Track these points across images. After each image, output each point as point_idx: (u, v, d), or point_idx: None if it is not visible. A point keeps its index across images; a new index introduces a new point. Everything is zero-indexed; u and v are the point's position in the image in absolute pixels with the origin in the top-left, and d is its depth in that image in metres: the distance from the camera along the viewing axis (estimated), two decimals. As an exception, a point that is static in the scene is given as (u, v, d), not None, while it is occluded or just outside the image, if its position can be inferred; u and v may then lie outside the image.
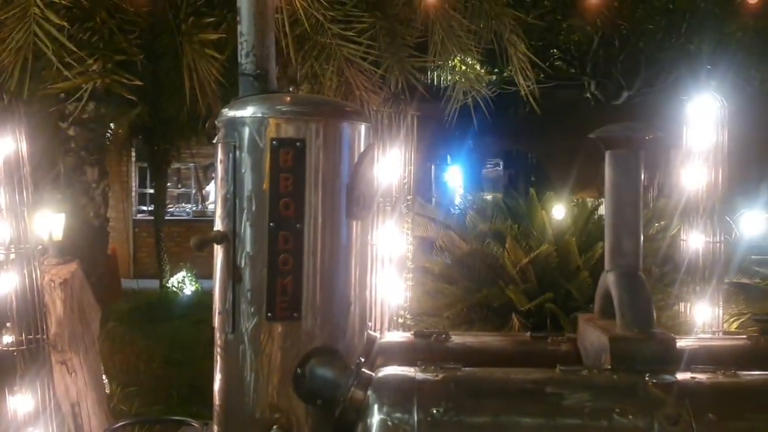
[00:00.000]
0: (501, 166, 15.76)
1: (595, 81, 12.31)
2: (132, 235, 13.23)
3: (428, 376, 2.57)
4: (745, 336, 3.23)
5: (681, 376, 2.56)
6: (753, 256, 9.05)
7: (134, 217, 13.62)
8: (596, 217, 5.05)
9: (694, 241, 4.15)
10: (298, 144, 2.60)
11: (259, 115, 2.62)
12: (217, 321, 2.78)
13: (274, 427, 2.60)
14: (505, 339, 3.25)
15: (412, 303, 3.97)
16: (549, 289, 4.55)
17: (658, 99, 11.82)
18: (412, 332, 3.26)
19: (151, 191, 12.97)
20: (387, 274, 3.90)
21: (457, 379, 2.56)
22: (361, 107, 3.37)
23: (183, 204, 14.83)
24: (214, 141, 2.84)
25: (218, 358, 2.79)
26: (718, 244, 4.10)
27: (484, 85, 6.07)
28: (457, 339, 3.20)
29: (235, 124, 2.65)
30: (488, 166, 15.51)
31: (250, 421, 2.64)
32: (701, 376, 2.57)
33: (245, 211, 2.63)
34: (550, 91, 13.42)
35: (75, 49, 3.70)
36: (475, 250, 4.73)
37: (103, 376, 4.74)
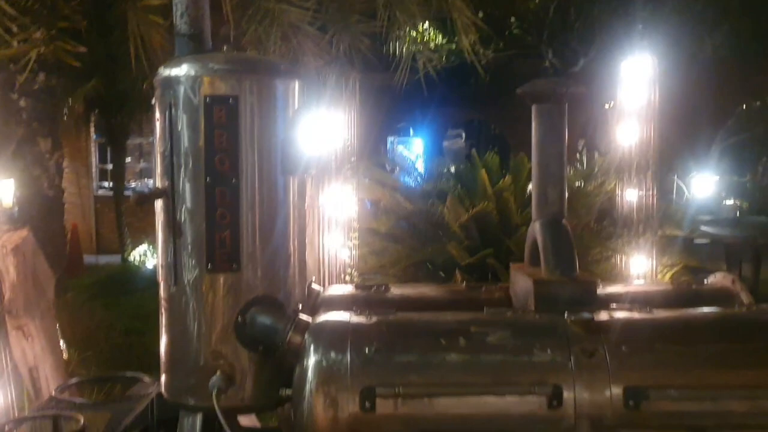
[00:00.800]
0: (463, 138, 15.93)
1: (551, 49, 12.50)
2: (93, 211, 13.18)
3: (362, 320, 2.71)
4: (668, 282, 3.43)
5: (599, 314, 2.73)
6: (702, 216, 9.39)
7: (95, 194, 13.55)
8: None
9: (629, 196, 4.34)
10: (230, 101, 2.69)
11: (193, 73, 2.70)
12: (160, 274, 2.88)
13: (218, 372, 2.72)
14: (442, 289, 3.41)
15: (358, 262, 4.10)
16: (490, 245, 4.72)
17: (612, 65, 11.99)
18: (354, 285, 3.40)
19: (112, 166, 12.90)
20: (333, 235, 4.03)
21: (388, 322, 2.70)
22: (303, 69, 3.46)
23: (145, 179, 14.76)
24: (152, 101, 2.92)
25: (163, 310, 2.90)
26: (651, 198, 4.30)
27: (443, 55, 6.17)
28: (396, 290, 3.34)
29: (170, 83, 2.74)
30: (450, 136, 15.67)
31: (195, 369, 2.76)
32: (618, 314, 2.75)
33: (183, 168, 2.73)
34: (509, 61, 13.58)
35: (17, 15, 3.72)
36: (419, 209, 4.87)
37: (61, 342, 4.82)
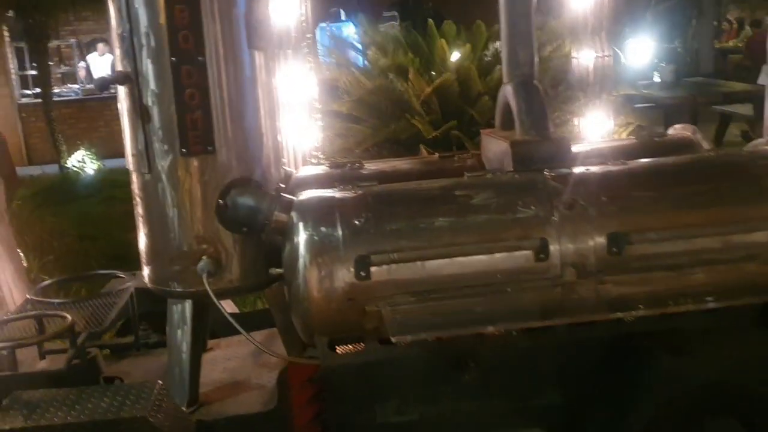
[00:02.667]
0: (397, 19, 15.53)
1: None
2: (19, 121, 12.51)
3: (347, 193, 2.70)
4: (633, 137, 3.50)
5: (576, 170, 2.79)
6: (639, 81, 9.55)
7: (19, 102, 12.83)
8: (495, 43, 5.12)
9: (585, 58, 4.35)
10: (190, -29, 2.53)
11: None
12: (131, 163, 2.78)
13: (204, 257, 2.70)
14: (415, 161, 3.41)
15: (323, 144, 4.04)
16: (453, 117, 4.70)
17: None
18: (327, 164, 3.37)
19: (33, 72, 12.16)
20: (296, 117, 3.93)
21: (374, 193, 2.70)
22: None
23: (69, 84, 14.01)
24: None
25: (138, 200, 2.83)
26: (606, 58, 4.32)
27: None
28: (370, 166, 3.33)
29: (120, -45, 2.55)
30: (385, 19, 15.26)
31: (179, 256, 2.73)
32: (594, 168, 2.82)
33: (144, 48, 2.59)
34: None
35: None
36: (378, 86, 4.77)
37: (18, 250, 4.68)
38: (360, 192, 2.71)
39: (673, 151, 3.33)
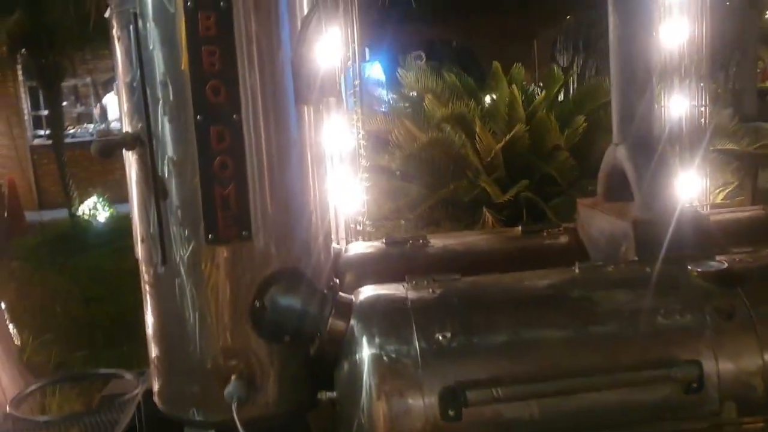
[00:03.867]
0: (423, 59, 15.03)
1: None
2: (31, 163, 12.00)
3: (422, 293, 2.03)
4: (760, 207, 2.83)
5: (726, 260, 2.11)
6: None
7: (31, 143, 12.33)
8: (572, 87, 4.49)
9: (677, 107, 3.69)
10: (221, 3, 1.91)
11: (164, -35, 1.90)
12: (140, 251, 2.14)
13: (233, 377, 2.03)
14: (492, 237, 2.75)
15: (369, 206, 3.39)
16: (521, 175, 4.03)
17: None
18: (383, 240, 2.71)
19: (47, 113, 11.69)
20: (338, 176, 3.29)
21: (459, 293, 2.03)
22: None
23: (85, 124, 13.53)
24: (106, 14, 2.11)
25: (148, 297, 2.18)
26: (702, 108, 3.66)
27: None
28: (436, 242, 2.67)
29: (131, -17, 1.93)
30: (411, 58, 14.75)
31: (200, 373, 2.06)
32: (748, 259, 2.13)
33: (160, 102, 1.96)
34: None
35: None
36: (434, 140, 4.11)
37: (10, 326, 4.03)
38: (440, 291, 2.04)
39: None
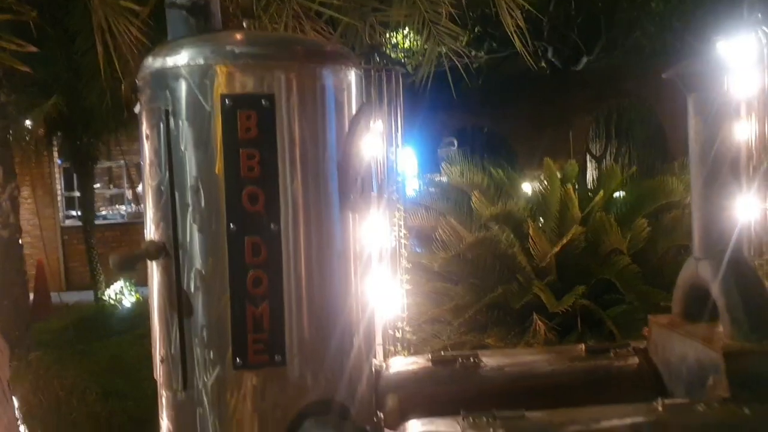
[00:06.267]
0: (455, 145, 14.98)
1: (552, 47, 11.60)
2: (61, 244, 11.97)
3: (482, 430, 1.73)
4: None
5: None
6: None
7: (62, 224, 12.32)
8: (627, 182, 4.24)
9: (746, 209, 3.41)
10: (263, 102, 1.72)
11: (201, 61, 1.72)
12: (160, 372, 1.89)
13: None
14: (552, 357, 2.44)
15: (410, 309, 3.13)
16: (576, 281, 3.73)
17: (620, 62, 11.23)
18: (429, 357, 2.43)
19: (79, 194, 11.75)
20: (377, 276, 3.04)
21: (525, 435, 1.73)
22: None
23: (117, 206, 13.58)
24: (135, 109, 1.93)
25: (165, 425, 1.90)
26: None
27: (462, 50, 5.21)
28: (489, 361, 2.37)
29: (164, 79, 1.76)
30: (444, 144, 14.71)
31: None
32: None
33: (190, 209, 1.74)
34: (503, 60, 12.69)
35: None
36: (481, 239, 3.85)
37: (21, 428, 3.76)
38: (501, 430, 1.74)
39: None
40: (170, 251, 1.77)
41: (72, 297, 10.63)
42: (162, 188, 1.78)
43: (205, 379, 1.77)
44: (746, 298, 2.00)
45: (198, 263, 1.75)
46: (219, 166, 1.71)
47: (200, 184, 1.73)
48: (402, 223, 3.10)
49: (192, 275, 1.76)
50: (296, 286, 1.76)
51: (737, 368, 1.91)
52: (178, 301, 1.77)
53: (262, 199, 1.72)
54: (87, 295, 10.39)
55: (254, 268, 1.73)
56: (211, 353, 1.77)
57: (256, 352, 1.74)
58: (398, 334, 3.05)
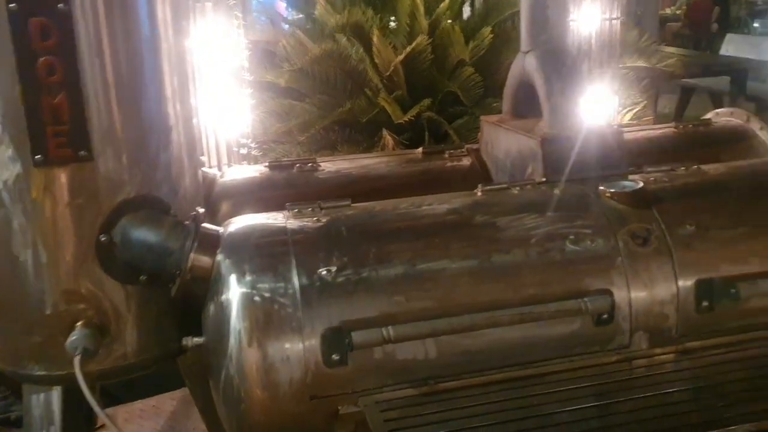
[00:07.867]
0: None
1: None
2: None
3: (305, 222, 1.74)
4: (671, 125, 2.67)
5: (635, 179, 1.92)
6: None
7: None
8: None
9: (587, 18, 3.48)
10: None
11: None
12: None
13: (78, 324, 1.70)
14: (390, 159, 2.46)
15: (255, 128, 3.03)
16: (423, 93, 3.71)
17: None
18: (266, 163, 2.39)
19: None
20: (217, 91, 2.90)
21: (348, 221, 1.75)
22: None
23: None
24: None
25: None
26: (614, 21, 3.45)
27: None
28: (327, 166, 2.37)
29: None
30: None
31: (38, 321, 1.73)
32: (663, 177, 1.95)
33: (-39, -15, 1.54)
34: None
35: None
36: (328, 52, 3.70)
37: None
38: (326, 219, 1.76)
39: (726, 142, 2.55)
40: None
41: None
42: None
43: (5, 178, 1.65)
44: (563, 88, 2.05)
45: (-22, 50, 1.57)
46: (-11, -68, 1.50)
47: (-29, -45, 1.52)
48: (242, 31, 2.93)
49: (-26, 65, 1.59)
50: (99, 72, 1.63)
51: (553, 154, 1.99)
52: (-37, 95, 1.60)
53: (45, -29, 1.53)
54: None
55: (45, 54, 1.57)
56: (9, 151, 1.64)
57: (58, 146, 1.63)
58: (243, 151, 2.97)
